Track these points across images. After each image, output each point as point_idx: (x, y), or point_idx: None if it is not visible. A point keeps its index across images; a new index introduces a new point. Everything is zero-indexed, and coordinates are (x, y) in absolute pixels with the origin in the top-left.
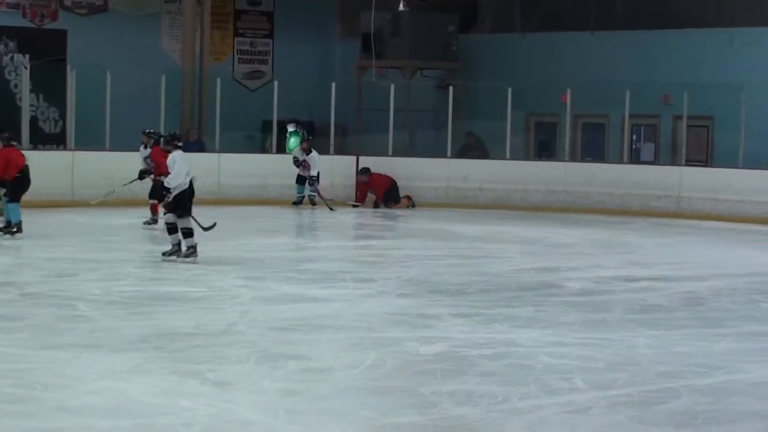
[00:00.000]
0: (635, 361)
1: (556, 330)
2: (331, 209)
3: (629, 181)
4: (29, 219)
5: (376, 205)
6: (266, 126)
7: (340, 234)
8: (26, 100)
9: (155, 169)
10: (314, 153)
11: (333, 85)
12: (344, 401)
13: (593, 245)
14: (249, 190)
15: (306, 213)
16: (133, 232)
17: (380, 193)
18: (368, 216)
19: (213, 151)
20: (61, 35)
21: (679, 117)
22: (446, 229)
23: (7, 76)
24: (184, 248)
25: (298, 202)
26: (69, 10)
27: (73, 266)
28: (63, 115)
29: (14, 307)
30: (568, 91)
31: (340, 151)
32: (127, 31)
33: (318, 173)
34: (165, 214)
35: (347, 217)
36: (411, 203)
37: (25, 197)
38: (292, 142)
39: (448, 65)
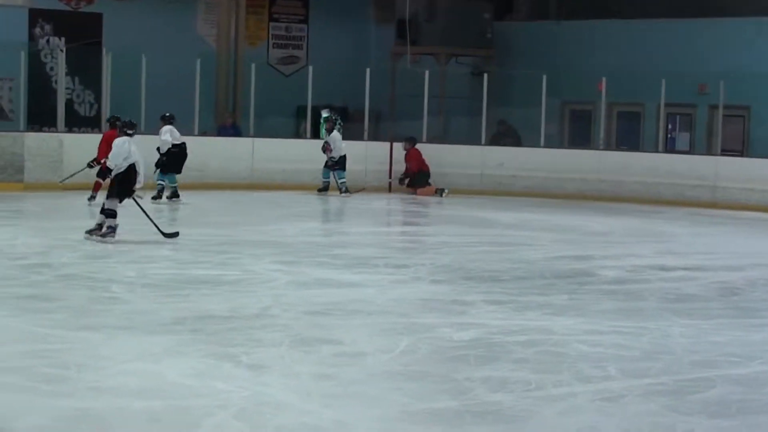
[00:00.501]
0: (670, 350)
1: (590, 318)
2: (343, 192)
3: (664, 171)
4: (64, 201)
5: (400, 182)
6: (300, 111)
7: (373, 220)
8: (62, 83)
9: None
10: (335, 133)
11: (368, 71)
12: (377, 386)
13: (627, 234)
14: (283, 175)
15: (339, 199)
16: (167, 215)
17: (412, 167)
18: (402, 203)
19: (247, 135)
20: (96, 18)
21: (715, 107)
22: (480, 216)
23: (43, 59)
24: (104, 228)
25: (323, 189)
26: None
27: (108, 248)
28: (98, 99)
29: (49, 288)
30: (604, 80)
31: (374, 137)
32: (162, 15)
33: (344, 157)
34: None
35: (381, 203)
36: (439, 192)
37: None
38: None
39: (482, 52)
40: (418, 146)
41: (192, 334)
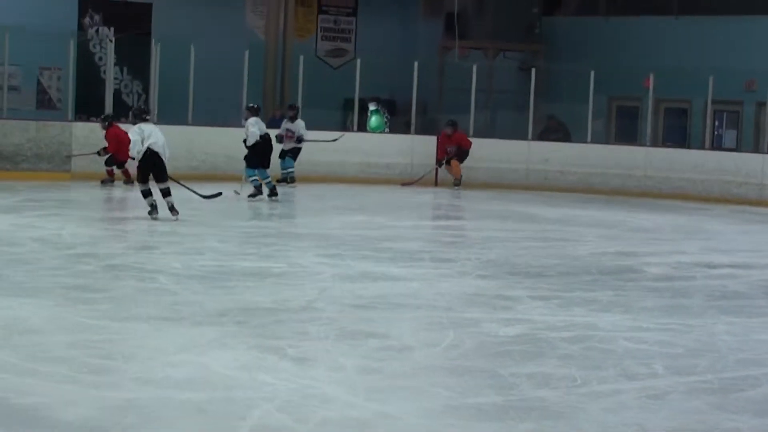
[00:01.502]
0: (715, 348)
1: (636, 315)
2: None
3: (710, 168)
4: (111, 191)
5: (448, 159)
6: (348, 104)
7: (418, 213)
8: (110, 73)
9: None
10: (299, 120)
11: (415, 64)
12: (423, 380)
13: (673, 231)
14: (329, 168)
15: (384, 191)
16: (213, 206)
17: (463, 146)
18: (447, 196)
19: None
20: (146, 8)
21: (763, 104)
22: (525, 211)
23: (92, 49)
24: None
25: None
26: None
27: (154, 239)
28: (146, 89)
29: (96, 279)
30: (651, 76)
31: (421, 130)
32: (211, 6)
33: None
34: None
35: (426, 196)
36: (458, 180)
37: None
38: (374, 120)
39: (530, 47)
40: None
41: (237, 326)
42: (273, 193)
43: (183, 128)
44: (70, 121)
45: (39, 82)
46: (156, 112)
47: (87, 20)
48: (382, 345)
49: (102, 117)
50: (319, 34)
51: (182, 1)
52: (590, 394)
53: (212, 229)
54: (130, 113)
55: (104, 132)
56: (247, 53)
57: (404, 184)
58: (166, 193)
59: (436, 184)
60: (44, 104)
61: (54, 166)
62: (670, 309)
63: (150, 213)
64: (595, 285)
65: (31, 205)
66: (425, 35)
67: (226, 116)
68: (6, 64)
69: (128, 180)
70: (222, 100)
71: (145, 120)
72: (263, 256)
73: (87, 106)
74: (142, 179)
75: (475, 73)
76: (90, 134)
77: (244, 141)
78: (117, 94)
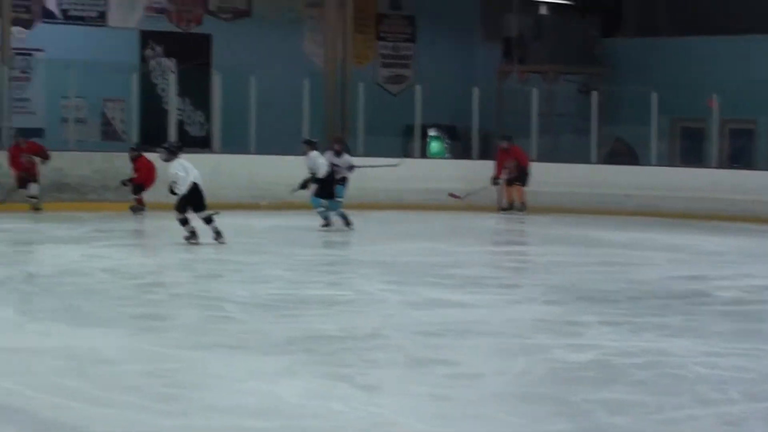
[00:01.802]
0: None
1: (708, 339)
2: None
3: None
4: (171, 223)
5: (509, 177)
6: (408, 130)
7: (481, 239)
8: (173, 103)
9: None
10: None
11: (475, 90)
12: (493, 407)
13: (742, 254)
14: (390, 194)
15: (446, 217)
16: (277, 235)
17: (521, 163)
18: (510, 222)
19: (356, 154)
20: (206, 39)
21: None
22: (591, 235)
23: (154, 80)
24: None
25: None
26: (213, 14)
27: (219, 268)
28: (208, 119)
29: (164, 308)
30: (715, 96)
31: (482, 155)
32: (270, 35)
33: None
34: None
35: (489, 222)
36: (522, 203)
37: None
38: (434, 146)
39: (591, 69)
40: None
41: (306, 354)
42: (347, 222)
43: (245, 157)
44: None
45: (104, 114)
46: (219, 142)
47: (149, 52)
48: (451, 372)
49: (131, 147)
50: (378, 61)
51: (241, 32)
52: (665, 421)
53: (277, 257)
54: (165, 149)
55: (133, 161)
56: (307, 81)
57: (452, 195)
58: (208, 220)
59: (500, 209)
60: (109, 136)
61: (120, 196)
62: (743, 333)
63: (189, 239)
64: (665, 310)
65: (98, 236)
66: (484, 60)
67: (287, 144)
68: (72, 97)
69: (140, 207)
70: (283, 128)
71: (180, 155)
72: (329, 284)
73: (151, 137)
74: (182, 209)
75: (535, 97)
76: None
77: (311, 175)
78: (180, 124)
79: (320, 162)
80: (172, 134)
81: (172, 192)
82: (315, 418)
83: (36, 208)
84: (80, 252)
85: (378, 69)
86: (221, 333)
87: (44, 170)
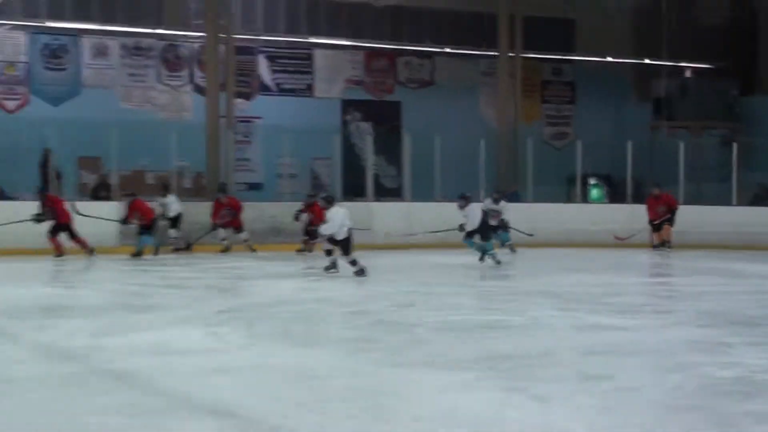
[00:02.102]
0: None
1: None
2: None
3: None
4: (378, 260)
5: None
6: (571, 180)
7: (637, 272)
8: (370, 160)
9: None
10: (503, 202)
11: (629, 143)
12: (651, 417)
13: None
14: (559, 236)
15: (606, 254)
16: (462, 271)
17: (670, 207)
18: (662, 257)
19: (527, 201)
20: (396, 106)
21: None
22: (735, 267)
23: (354, 141)
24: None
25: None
26: (403, 84)
27: (413, 298)
28: (400, 172)
29: (368, 331)
30: None
31: (636, 200)
32: (451, 101)
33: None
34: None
35: (642, 257)
36: (669, 242)
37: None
38: (594, 193)
39: (731, 124)
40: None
41: (487, 371)
42: (497, 261)
43: (431, 204)
44: (339, 201)
45: (312, 171)
46: (409, 192)
47: (349, 117)
48: (613, 386)
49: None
50: (544, 121)
51: (425, 98)
52: None
53: (462, 288)
54: (323, 199)
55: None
56: (483, 140)
57: (617, 237)
58: (353, 263)
59: (653, 246)
60: (317, 188)
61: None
62: None
63: (328, 269)
64: None
65: (309, 272)
66: (636, 117)
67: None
68: (286, 157)
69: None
70: (462, 179)
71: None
72: (506, 311)
73: (352, 189)
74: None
75: (682, 149)
76: (355, 211)
77: (461, 226)
78: (376, 177)
79: (474, 213)
80: (369, 187)
81: (319, 233)
82: (496, 426)
83: (252, 249)
84: (295, 285)
85: (543, 128)
86: (416, 353)
87: (262, 217)
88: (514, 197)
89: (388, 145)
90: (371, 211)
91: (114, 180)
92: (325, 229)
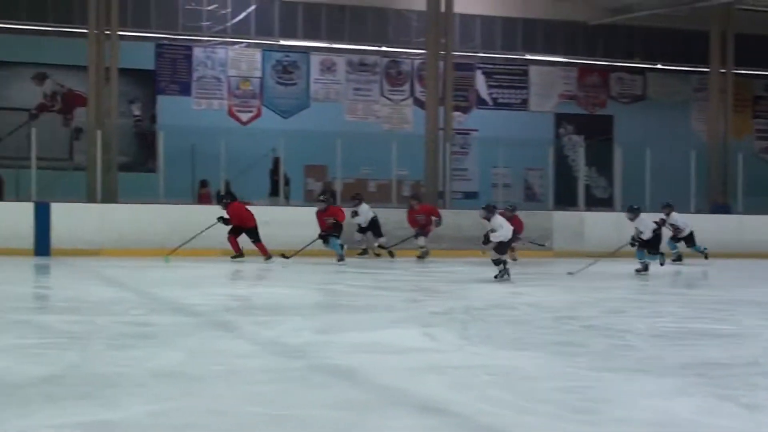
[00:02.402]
0: None
1: None
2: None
3: None
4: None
5: None
6: None
7: None
8: (582, 171)
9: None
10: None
11: None
12: None
13: None
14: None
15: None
16: (669, 279)
17: None
18: None
19: (737, 212)
20: (608, 119)
21: None
22: None
23: (566, 153)
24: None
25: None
26: (615, 99)
27: (623, 305)
28: (611, 183)
29: (576, 336)
30: None
31: None
32: (662, 115)
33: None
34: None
35: None
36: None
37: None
38: None
39: None
40: None
41: (696, 378)
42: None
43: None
44: (551, 210)
45: (525, 181)
46: (620, 203)
47: (561, 130)
48: None
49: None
50: (754, 135)
51: (638, 112)
52: None
53: (671, 297)
54: (483, 209)
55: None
56: (693, 153)
57: None
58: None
59: None
60: (530, 197)
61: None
62: None
63: (497, 276)
64: None
65: (522, 277)
66: None
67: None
68: (500, 167)
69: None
70: (673, 191)
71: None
72: (716, 320)
73: (563, 198)
74: (502, 252)
75: None
76: (567, 220)
77: (634, 237)
78: (587, 188)
79: (646, 224)
80: (581, 197)
81: (488, 240)
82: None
83: (421, 256)
84: (507, 290)
85: (754, 141)
86: (624, 358)
87: (476, 224)
88: (724, 209)
89: (600, 157)
90: (582, 220)
91: (338, 187)
92: (497, 237)
